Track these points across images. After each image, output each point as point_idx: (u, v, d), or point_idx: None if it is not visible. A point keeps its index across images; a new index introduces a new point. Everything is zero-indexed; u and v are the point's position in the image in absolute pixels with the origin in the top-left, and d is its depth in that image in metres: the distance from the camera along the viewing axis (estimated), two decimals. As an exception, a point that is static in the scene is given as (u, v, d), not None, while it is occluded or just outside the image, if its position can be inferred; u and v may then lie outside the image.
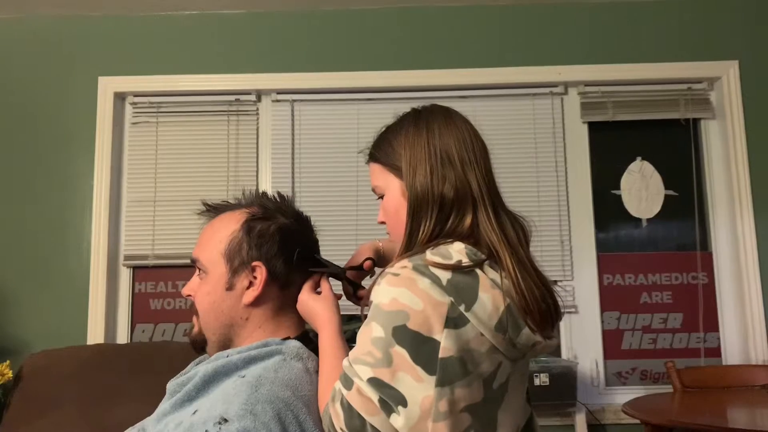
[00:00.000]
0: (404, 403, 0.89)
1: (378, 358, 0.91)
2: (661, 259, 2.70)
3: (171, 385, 1.11)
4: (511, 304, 0.94)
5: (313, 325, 1.10)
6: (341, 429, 0.92)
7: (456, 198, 1.01)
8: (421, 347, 0.90)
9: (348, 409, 0.92)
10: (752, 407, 2.16)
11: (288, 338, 1.12)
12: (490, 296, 0.94)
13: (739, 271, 2.59)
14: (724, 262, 2.66)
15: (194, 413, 0.99)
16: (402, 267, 0.95)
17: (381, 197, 1.11)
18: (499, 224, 1.00)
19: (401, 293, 0.92)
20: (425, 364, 0.90)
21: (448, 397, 0.90)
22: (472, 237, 0.99)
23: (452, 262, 0.94)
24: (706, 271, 2.67)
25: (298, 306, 1.13)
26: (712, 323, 2.65)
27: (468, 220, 1.00)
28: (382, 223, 1.13)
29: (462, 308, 0.92)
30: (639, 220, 2.72)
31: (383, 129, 1.13)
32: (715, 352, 2.63)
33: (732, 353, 2.61)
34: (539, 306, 0.95)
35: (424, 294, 0.92)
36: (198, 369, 1.09)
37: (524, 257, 0.99)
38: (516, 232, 1.02)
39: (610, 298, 2.67)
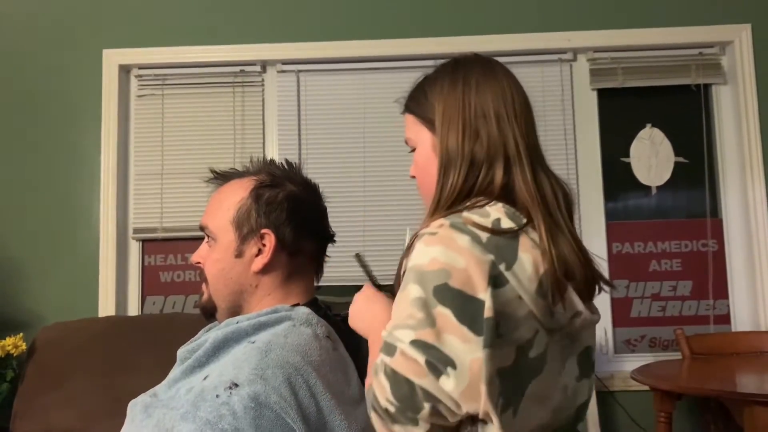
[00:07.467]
0: (453, 365, 0.83)
1: (419, 319, 0.85)
2: (670, 227, 2.68)
3: (181, 351, 1.12)
4: (548, 268, 0.89)
5: (368, 328, 1.02)
6: (388, 401, 0.85)
7: (487, 156, 0.95)
8: (465, 306, 0.85)
9: (393, 376, 0.85)
10: (762, 373, 2.16)
11: (297, 305, 1.12)
12: (530, 257, 0.89)
13: (749, 237, 2.57)
14: (735, 228, 2.64)
15: (205, 379, 1.00)
16: (439, 225, 0.90)
17: (413, 150, 1.05)
18: (536, 183, 0.95)
19: (440, 252, 0.87)
20: (471, 324, 0.84)
21: (494, 360, 0.85)
22: (505, 197, 0.94)
23: (490, 221, 0.89)
24: (716, 238, 2.65)
25: (353, 314, 1.05)
26: (721, 290, 2.63)
27: (499, 179, 0.94)
28: (413, 177, 1.06)
29: (502, 267, 0.87)
30: (649, 187, 2.69)
31: (421, 78, 1.06)
32: (725, 319, 2.62)
33: (742, 320, 2.60)
34: (575, 272, 0.90)
35: (465, 251, 0.86)
36: (208, 335, 1.09)
37: (560, 220, 0.94)
38: (555, 194, 0.96)
39: (619, 266, 2.66)
